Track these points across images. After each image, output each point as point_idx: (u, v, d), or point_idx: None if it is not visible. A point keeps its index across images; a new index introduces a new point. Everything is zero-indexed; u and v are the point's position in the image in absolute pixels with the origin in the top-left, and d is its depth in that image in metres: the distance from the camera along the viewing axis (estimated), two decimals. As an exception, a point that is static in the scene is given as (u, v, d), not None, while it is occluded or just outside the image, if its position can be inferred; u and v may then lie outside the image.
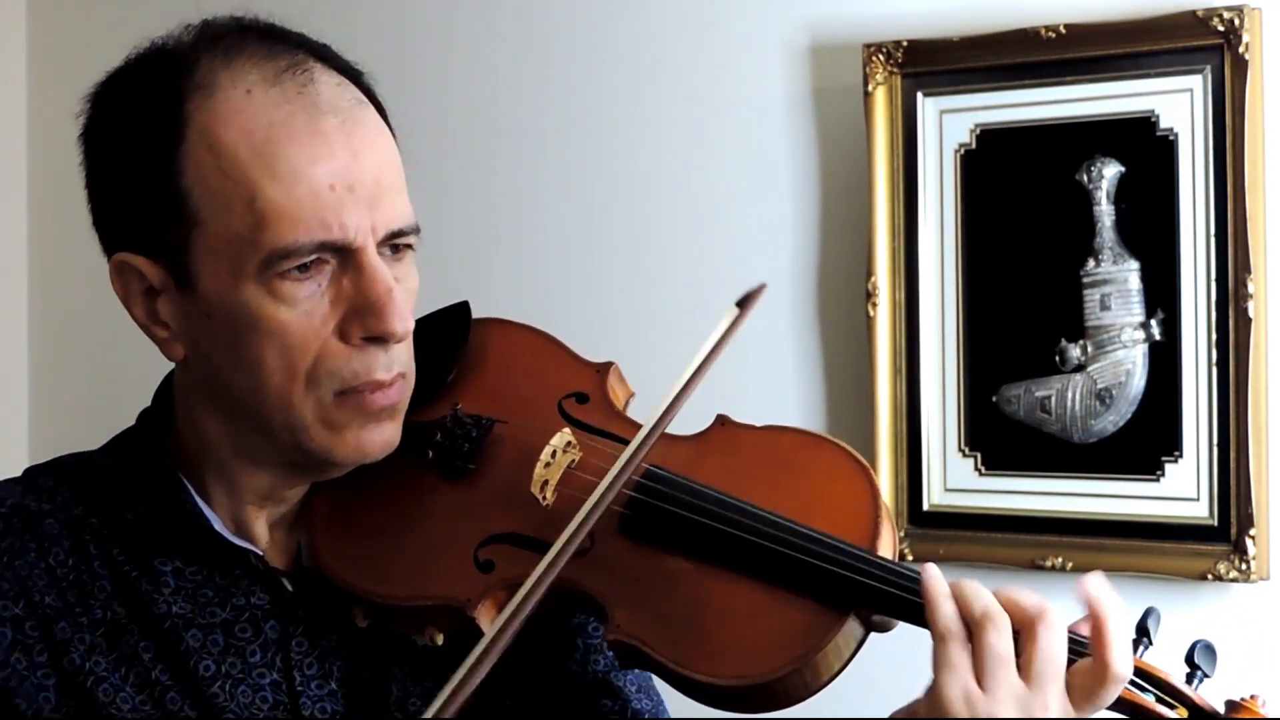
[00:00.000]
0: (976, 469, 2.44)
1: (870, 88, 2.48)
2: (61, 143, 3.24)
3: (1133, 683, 1.37)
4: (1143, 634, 1.41)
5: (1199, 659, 1.41)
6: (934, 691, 1.35)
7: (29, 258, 3.34)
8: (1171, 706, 1.38)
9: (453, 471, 1.51)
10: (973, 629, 1.35)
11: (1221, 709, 1.39)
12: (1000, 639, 1.34)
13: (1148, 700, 1.37)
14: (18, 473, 1.56)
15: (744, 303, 1.48)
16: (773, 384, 2.59)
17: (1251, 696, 1.39)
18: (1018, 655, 1.35)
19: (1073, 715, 1.35)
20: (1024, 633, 1.35)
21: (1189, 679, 1.40)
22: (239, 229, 1.39)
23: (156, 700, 1.45)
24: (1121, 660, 1.34)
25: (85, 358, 3.28)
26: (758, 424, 1.53)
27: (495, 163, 2.84)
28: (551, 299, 2.74)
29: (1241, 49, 2.24)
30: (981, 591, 1.36)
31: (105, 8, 3.24)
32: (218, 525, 1.50)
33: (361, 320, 1.42)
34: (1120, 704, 1.37)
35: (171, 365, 1.55)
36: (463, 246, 2.80)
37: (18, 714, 1.42)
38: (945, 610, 1.36)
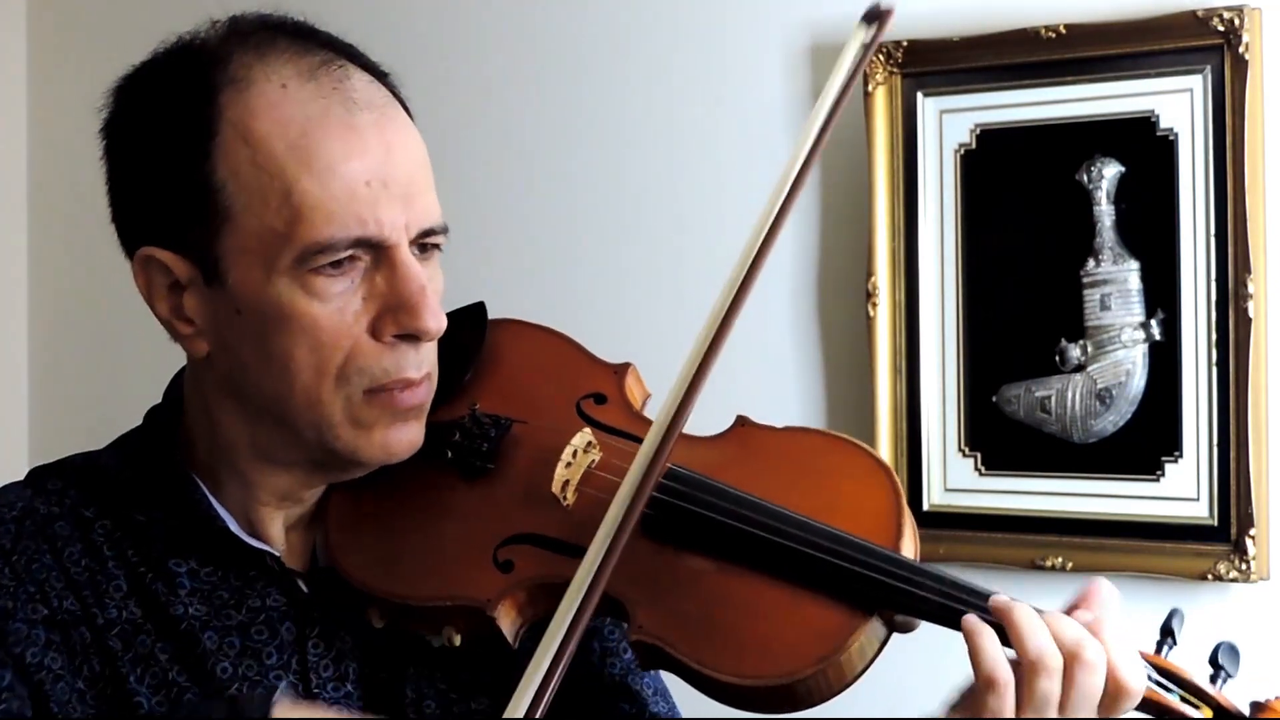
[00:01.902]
0: (976, 469, 2.44)
1: (870, 88, 2.48)
2: (61, 143, 3.27)
3: (1157, 683, 1.38)
4: (1167, 634, 1.42)
5: (1223, 659, 1.41)
6: None
7: (29, 258, 3.34)
8: (1196, 706, 1.38)
9: (472, 471, 1.50)
10: (1024, 669, 1.34)
11: (1246, 710, 1.39)
12: (1052, 686, 1.33)
13: (1172, 700, 1.38)
14: (17, 473, 1.55)
15: (873, 18, 1.49)
16: (773, 384, 2.59)
17: (1277, 697, 1.39)
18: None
19: None
20: (1064, 667, 1.34)
21: (1213, 679, 1.40)
22: (273, 223, 1.38)
23: (174, 701, 1.43)
24: (1136, 679, 1.35)
25: (85, 358, 3.27)
26: (777, 425, 1.53)
27: (494, 164, 2.84)
28: (550, 298, 2.74)
29: (1241, 49, 2.24)
30: (1038, 631, 1.34)
31: (105, 8, 3.24)
32: (233, 526, 1.49)
33: (395, 317, 1.41)
34: (1145, 704, 1.38)
35: (173, 365, 1.55)
36: (467, 250, 2.80)
37: (50, 716, 1.40)
38: (992, 656, 1.34)
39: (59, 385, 3.32)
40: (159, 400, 1.57)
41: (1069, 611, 1.39)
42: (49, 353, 3.33)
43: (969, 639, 1.35)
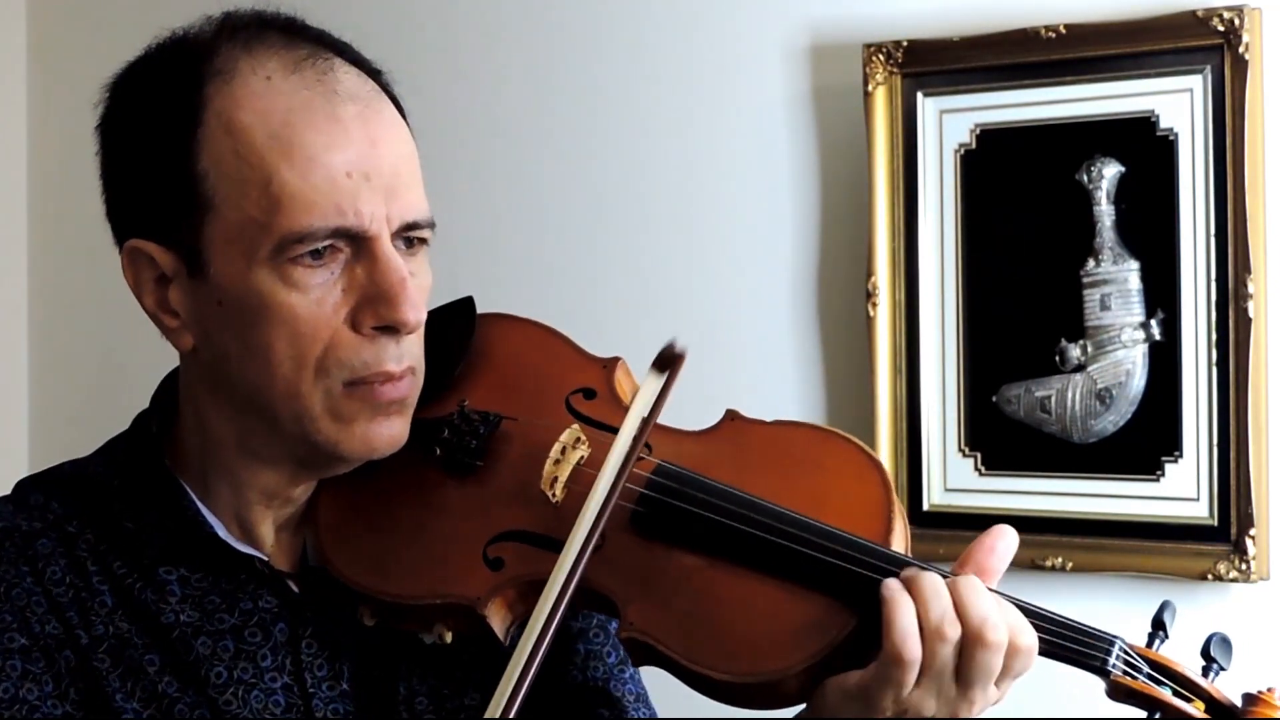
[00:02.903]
0: (976, 469, 2.44)
1: (870, 88, 2.48)
2: (61, 143, 3.27)
3: (1149, 676, 1.38)
4: (1158, 627, 1.42)
5: (1215, 652, 1.41)
6: (868, 693, 1.35)
7: (29, 258, 3.34)
8: (1188, 700, 1.38)
9: (461, 468, 1.50)
10: (924, 635, 1.34)
11: (1239, 702, 1.39)
12: (949, 653, 1.34)
13: (1164, 694, 1.38)
14: (16, 473, 1.55)
15: (665, 364, 1.44)
16: (773, 384, 2.59)
17: (1269, 689, 1.39)
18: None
19: (994, 697, 1.36)
20: (965, 643, 1.34)
21: (1205, 672, 1.40)
22: (253, 213, 1.39)
23: (165, 713, 1.43)
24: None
25: (85, 358, 3.27)
26: (767, 419, 1.53)
27: (497, 162, 2.84)
28: (553, 297, 2.74)
29: (1241, 49, 2.24)
30: (939, 597, 1.34)
31: (105, 8, 3.24)
32: (221, 531, 1.49)
33: (374, 309, 1.41)
34: (1137, 697, 1.38)
35: (172, 366, 1.55)
36: (465, 245, 2.80)
37: None
38: (904, 629, 1.34)
39: (59, 385, 3.32)
40: (156, 402, 1.57)
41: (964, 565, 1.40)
42: (49, 353, 3.33)
43: (886, 604, 1.35)
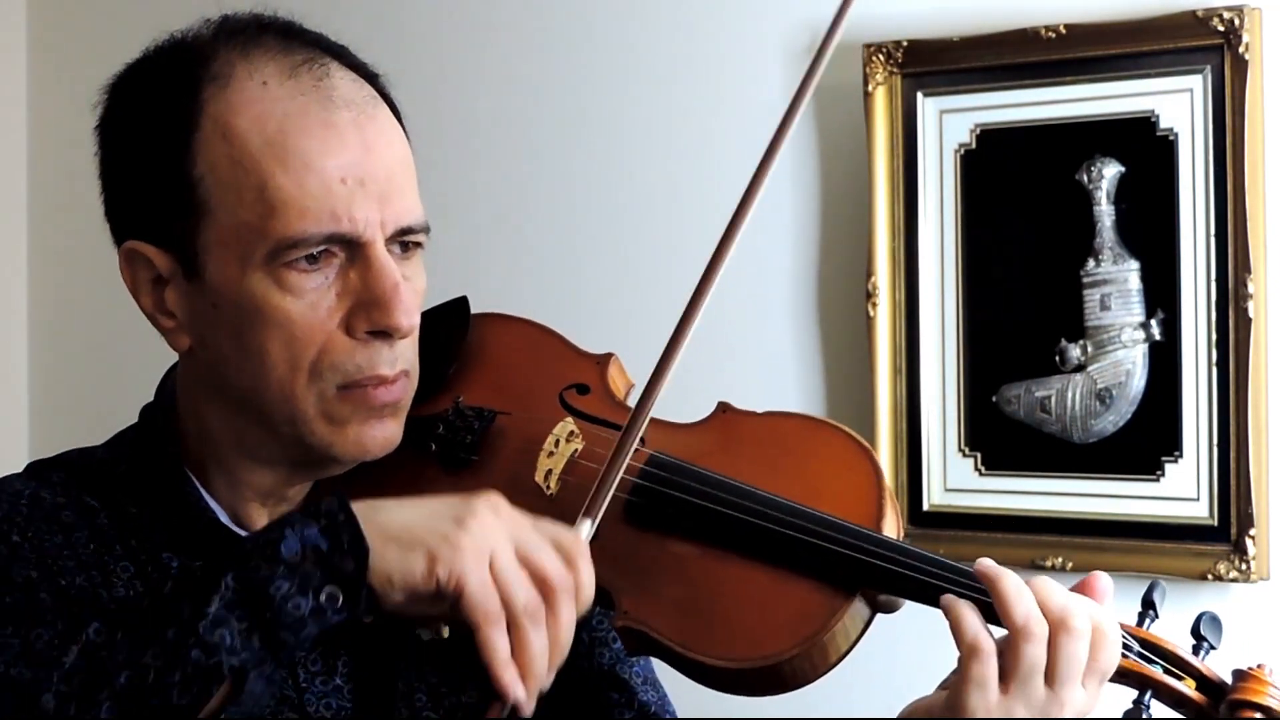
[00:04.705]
0: (976, 469, 2.44)
1: (870, 88, 2.48)
2: (61, 143, 3.28)
3: (1140, 655, 1.39)
4: (1148, 607, 1.43)
5: (1205, 630, 1.42)
6: (957, 701, 1.36)
7: (29, 258, 3.34)
8: (1179, 677, 1.39)
9: (456, 463, 1.51)
10: (1012, 635, 1.35)
11: (1229, 679, 1.40)
12: (1038, 651, 1.34)
13: (1155, 672, 1.39)
14: (15, 470, 1.55)
15: None
16: (773, 384, 2.59)
17: (1259, 665, 1.39)
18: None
19: (1084, 697, 1.36)
20: (1051, 635, 1.35)
21: (1195, 650, 1.41)
22: (248, 218, 1.39)
23: None
24: (1114, 646, 1.36)
25: (85, 357, 3.28)
26: (759, 410, 1.54)
27: (496, 162, 2.84)
28: (551, 295, 2.75)
29: (1241, 49, 2.24)
30: (1024, 595, 1.35)
31: (105, 8, 3.24)
32: (224, 519, 1.49)
33: (367, 314, 1.42)
34: (1129, 676, 1.39)
35: (173, 360, 1.55)
36: (462, 244, 2.80)
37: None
38: (973, 626, 1.36)
39: (59, 385, 3.32)
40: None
41: None
42: (49, 353, 3.33)
43: (948, 613, 1.37)
